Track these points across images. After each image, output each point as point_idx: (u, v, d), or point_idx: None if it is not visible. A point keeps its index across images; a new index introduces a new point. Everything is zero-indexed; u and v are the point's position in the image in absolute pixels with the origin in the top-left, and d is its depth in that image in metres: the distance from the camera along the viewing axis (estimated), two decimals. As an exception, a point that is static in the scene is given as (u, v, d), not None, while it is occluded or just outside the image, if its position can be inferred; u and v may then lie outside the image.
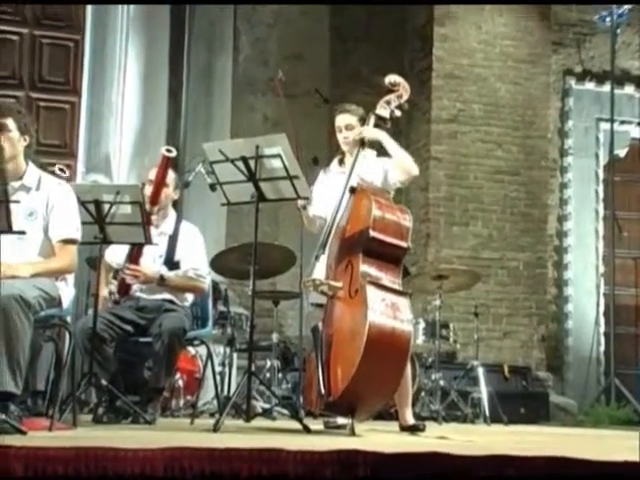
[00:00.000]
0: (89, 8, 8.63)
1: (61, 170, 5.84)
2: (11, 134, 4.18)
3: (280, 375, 7.10)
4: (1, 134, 4.15)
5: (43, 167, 4.77)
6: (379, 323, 4.20)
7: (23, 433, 3.61)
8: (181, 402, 6.46)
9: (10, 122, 4.20)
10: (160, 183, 5.41)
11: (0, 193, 3.64)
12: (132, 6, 8.53)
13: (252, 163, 4.65)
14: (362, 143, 4.87)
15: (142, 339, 5.27)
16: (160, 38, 8.50)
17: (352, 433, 4.35)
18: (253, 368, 4.80)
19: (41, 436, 3.65)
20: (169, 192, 5.54)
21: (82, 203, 4.59)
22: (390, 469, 2.65)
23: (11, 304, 3.82)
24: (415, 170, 4.89)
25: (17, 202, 3.89)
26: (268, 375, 6.91)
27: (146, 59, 8.47)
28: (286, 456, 2.57)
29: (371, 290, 4.28)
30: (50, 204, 4.24)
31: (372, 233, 4.41)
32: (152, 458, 2.44)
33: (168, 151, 5.44)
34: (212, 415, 6.21)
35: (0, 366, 3.83)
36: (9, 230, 3.70)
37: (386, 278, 4.42)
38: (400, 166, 4.86)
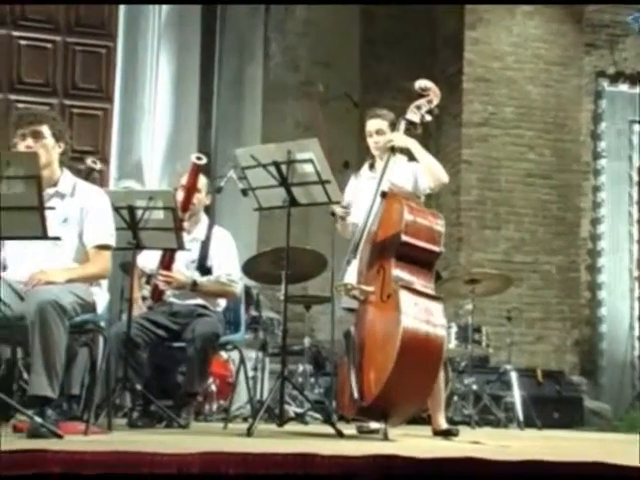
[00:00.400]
0: (121, 15, 8.67)
1: (93, 162, 5.85)
2: (46, 141, 4.21)
3: (312, 379, 7.10)
4: (36, 141, 4.18)
5: (79, 173, 4.82)
6: (412, 328, 4.18)
7: (59, 437, 3.65)
8: (214, 406, 6.48)
9: (45, 129, 4.22)
10: (190, 190, 5.42)
11: (35, 200, 3.68)
12: (164, 13, 8.57)
13: (284, 168, 4.66)
14: (392, 149, 4.87)
15: (175, 344, 5.29)
16: (191, 45, 8.54)
17: (385, 438, 4.34)
18: (286, 372, 4.80)
19: (77, 440, 3.68)
20: (201, 197, 5.56)
21: (116, 209, 4.62)
22: (425, 474, 2.64)
23: (47, 309, 3.85)
24: (445, 178, 4.89)
25: (52, 208, 3.93)
26: (300, 379, 6.92)
27: (178, 66, 8.51)
28: (320, 461, 2.57)
29: (404, 295, 4.26)
30: (85, 210, 4.26)
31: (404, 237, 4.40)
32: (188, 463, 2.45)
33: (198, 159, 5.46)
34: (245, 419, 6.24)
35: (37, 371, 3.87)
36: (44, 236, 3.75)
37: (418, 282, 4.41)
38: (430, 174, 4.86)
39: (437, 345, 4.24)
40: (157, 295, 5.37)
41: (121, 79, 8.63)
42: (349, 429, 4.85)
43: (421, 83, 4.98)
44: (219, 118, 8.57)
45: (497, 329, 8.01)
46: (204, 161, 5.47)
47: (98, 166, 5.98)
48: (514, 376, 7.32)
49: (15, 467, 2.30)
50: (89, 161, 5.81)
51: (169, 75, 8.50)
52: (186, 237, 5.23)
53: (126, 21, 8.67)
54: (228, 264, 5.51)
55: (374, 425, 4.80)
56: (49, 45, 8.62)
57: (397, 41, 9.15)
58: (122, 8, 8.68)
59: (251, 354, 6.78)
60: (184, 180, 5.48)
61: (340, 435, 4.47)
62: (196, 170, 5.41)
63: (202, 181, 5.56)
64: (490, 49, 9.18)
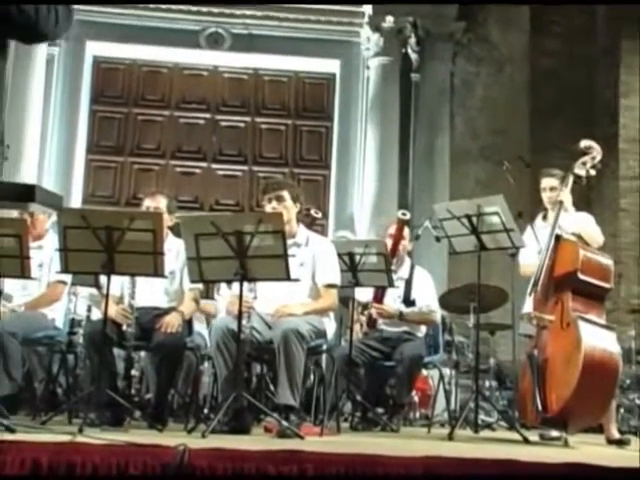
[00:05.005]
0: (336, 102, 8.96)
1: (315, 212, 5.97)
2: (287, 203, 4.33)
3: (497, 393, 6.89)
4: (279, 203, 4.31)
5: (308, 226, 4.90)
6: (592, 353, 3.94)
7: (301, 437, 3.68)
8: (417, 414, 6.39)
9: (285, 194, 4.35)
10: (397, 239, 5.39)
11: (281, 249, 3.78)
12: (369, 99, 8.74)
13: (475, 219, 4.56)
14: (561, 203, 4.69)
15: (387, 363, 5.25)
16: (391, 123, 8.62)
17: (566, 444, 4.11)
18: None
19: (315, 440, 3.69)
20: (405, 244, 5.52)
21: (339, 255, 4.66)
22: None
23: (290, 336, 3.93)
24: (600, 240, 4.66)
25: (293, 256, 4.01)
26: (487, 393, 6.70)
27: (381, 140, 8.61)
28: (521, 465, 2.45)
29: (582, 324, 4.04)
30: (316, 257, 4.34)
31: (581, 276, 4.20)
32: (412, 464, 2.39)
33: (403, 214, 5.45)
34: (442, 425, 6.09)
35: (282, 384, 3.95)
36: (288, 278, 3.83)
37: (593, 314, 4.17)
38: (589, 238, 4.62)
39: (613, 368, 3.99)
40: (371, 323, 5.36)
41: (337, 152, 8.85)
42: (531, 435, 4.62)
43: (585, 143, 4.79)
44: (415, 180, 8.59)
45: (657, 351, 7.48)
46: (408, 216, 5.45)
47: (319, 215, 6.11)
48: (673, 392, 6.80)
49: (276, 463, 2.32)
50: (312, 211, 5.93)
51: (374, 147, 8.61)
52: (393, 276, 5.20)
53: (340, 106, 8.91)
54: (428, 297, 5.43)
55: (554, 433, 4.56)
56: (282, 127, 8.98)
57: (560, 110, 8.89)
58: (337, 97, 8.97)
59: (445, 371, 6.63)
60: (390, 230, 5.47)
61: (526, 441, 4.26)
62: (402, 223, 5.40)
63: (406, 231, 5.53)
64: (642, 114, 8.76)
